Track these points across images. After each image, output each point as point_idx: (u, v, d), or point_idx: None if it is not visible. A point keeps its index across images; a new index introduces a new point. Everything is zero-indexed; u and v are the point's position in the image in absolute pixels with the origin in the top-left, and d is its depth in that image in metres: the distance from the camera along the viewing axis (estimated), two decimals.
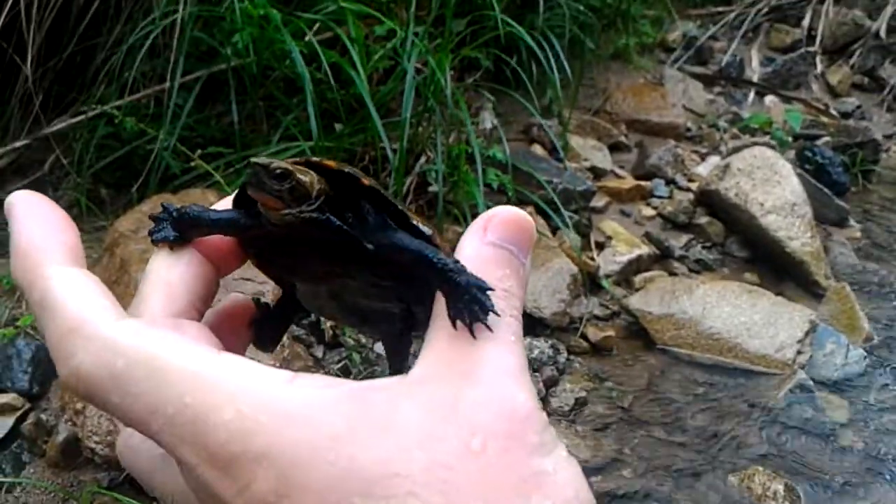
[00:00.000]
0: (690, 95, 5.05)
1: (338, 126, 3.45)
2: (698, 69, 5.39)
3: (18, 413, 2.45)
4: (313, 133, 3.01)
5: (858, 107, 5.53)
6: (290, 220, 0.57)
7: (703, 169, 4.38)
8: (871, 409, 3.15)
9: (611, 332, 3.32)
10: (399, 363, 0.66)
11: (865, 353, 3.34)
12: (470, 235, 0.57)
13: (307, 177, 0.57)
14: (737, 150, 4.24)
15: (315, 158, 0.60)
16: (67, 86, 3.49)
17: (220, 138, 3.38)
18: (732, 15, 5.81)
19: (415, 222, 0.59)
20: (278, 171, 0.56)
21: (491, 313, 0.52)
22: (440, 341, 0.53)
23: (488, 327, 0.52)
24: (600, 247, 3.71)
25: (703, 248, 3.93)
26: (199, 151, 3.07)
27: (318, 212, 0.57)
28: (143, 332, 0.52)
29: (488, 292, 0.53)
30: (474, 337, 0.52)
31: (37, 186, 3.37)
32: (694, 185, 4.20)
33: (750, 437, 2.97)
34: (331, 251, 0.59)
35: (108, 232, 2.72)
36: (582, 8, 4.53)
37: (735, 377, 3.22)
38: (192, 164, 3.03)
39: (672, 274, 3.70)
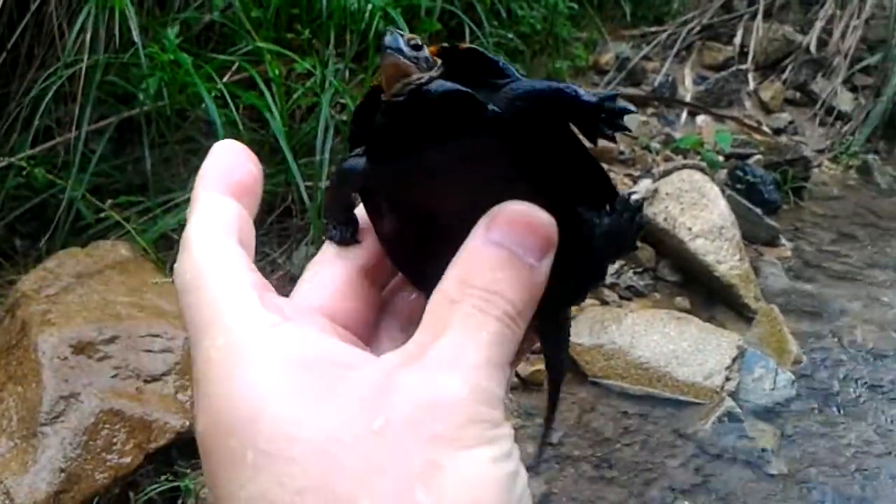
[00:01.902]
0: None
1: None
2: (631, 90, 5.40)
3: None
4: None
5: (791, 122, 5.58)
6: (420, 89, 0.52)
7: (636, 193, 4.38)
8: (799, 434, 3.16)
9: (541, 366, 3.29)
10: None
11: (794, 377, 3.35)
12: (473, 233, 0.53)
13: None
14: (667, 173, 4.25)
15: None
16: None
17: (137, 184, 3.32)
18: (664, 35, 5.84)
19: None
20: (413, 41, 0.54)
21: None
22: (423, 324, 0.52)
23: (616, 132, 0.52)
24: None
25: (635, 273, 3.93)
26: (109, 201, 3.01)
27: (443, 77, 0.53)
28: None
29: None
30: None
31: None
32: None
33: (679, 470, 2.96)
34: (462, 145, 0.53)
35: (11, 291, 2.64)
36: (511, 35, 4.53)
37: (665, 407, 3.21)
38: (104, 214, 2.97)
39: (603, 302, 3.69)
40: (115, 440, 2.23)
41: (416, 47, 0.54)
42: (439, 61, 0.55)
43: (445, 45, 0.56)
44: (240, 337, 0.49)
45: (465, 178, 0.55)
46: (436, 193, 0.56)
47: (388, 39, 0.54)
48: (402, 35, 0.54)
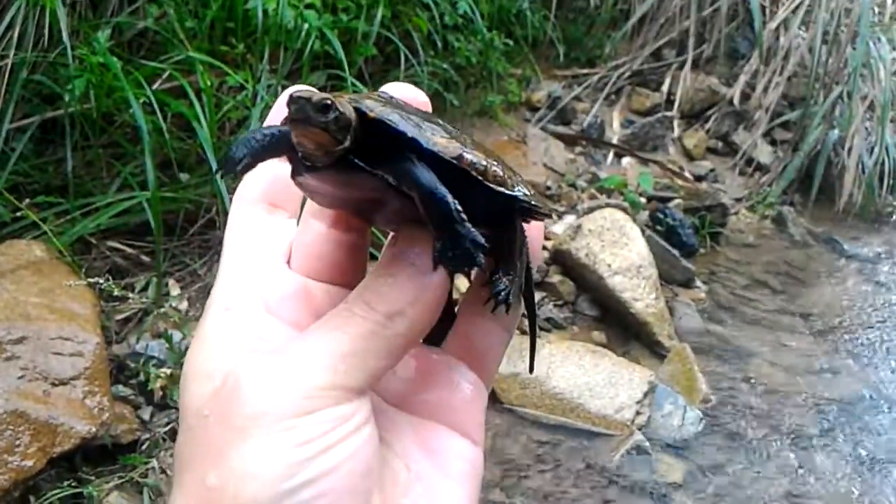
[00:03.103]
0: (552, 154, 5.16)
1: (184, 176, 3.36)
2: (561, 129, 5.52)
3: None
4: (150, 184, 2.91)
5: (712, 170, 5.76)
6: (336, 159, 0.58)
7: (560, 228, 4.46)
8: (705, 470, 3.23)
9: None
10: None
11: (702, 415, 3.43)
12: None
13: (345, 105, 0.57)
14: (591, 210, 4.35)
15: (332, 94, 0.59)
16: None
17: (56, 185, 3.25)
18: (596, 77, 5.99)
19: (437, 146, 0.58)
20: (322, 101, 0.56)
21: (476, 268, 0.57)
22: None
23: (468, 276, 0.60)
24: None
25: (555, 305, 3.99)
26: (27, 200, 2.94)
27: (350, 152, 0.58)
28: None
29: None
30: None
31: None
32: (549, 244, 4.27)
33: (586, 500, 3.00)
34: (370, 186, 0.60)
35: None
36: (446, 66, 4.59)
37: (577, 438, 3.26)
38: (20, 213, 2.90)
39: (522, 332, 3.72)
40: (18, 442, 2.16)
41: (325, 108, 0.56)
42: (350, 115, 0.57)
43: (357, 103, 0.58)
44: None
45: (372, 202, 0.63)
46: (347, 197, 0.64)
47: (293, 110, 0.56)
48: (308, 99, 0.56)
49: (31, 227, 3.02)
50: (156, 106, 3.04)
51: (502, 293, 0.64)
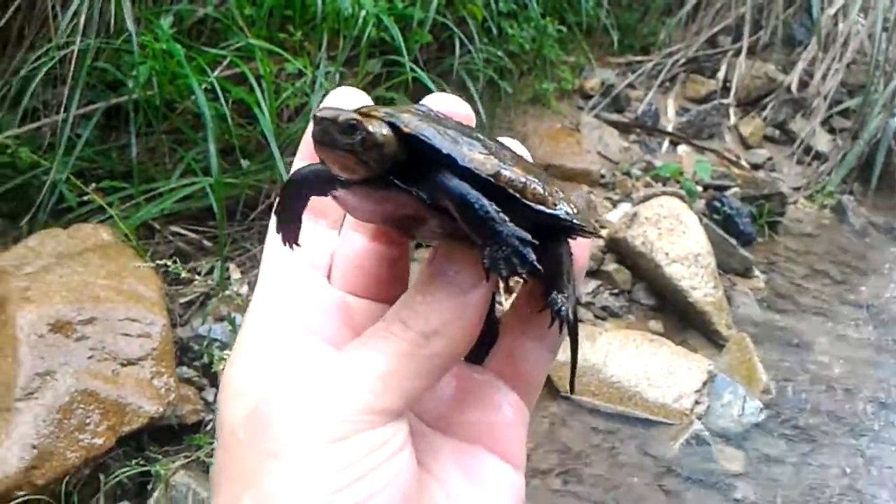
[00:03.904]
0: (606, 142, 5.12)
1: (244, 163, 3.40)
2: (615, 116, 5.47)
3: None
4: (213, 170, 2.95)
5: (769, 159, 5.67)
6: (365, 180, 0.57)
7: (614, 216, 4.43)
8: (765, 460, 3.19)
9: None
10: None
11: (762, 405, 3.39)
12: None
13: (375, 124, 0.56)
14: (646, 198, 4.31)
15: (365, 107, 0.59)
16: None
17: (120, 171, 3.30)
18: (650, 64, 5.92)
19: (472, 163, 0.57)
20: (348, 122, 0.55)
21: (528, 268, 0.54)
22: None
23: (523, 279, 0.57)
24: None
25: (611, 294, 3.96)
26: (94, 185, 2.99)
27: (386, 173, 0.57)
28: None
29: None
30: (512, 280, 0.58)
31: None
32: (604, 232, 4.24)
33: (645, 488, 2.99)
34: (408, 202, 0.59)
35: None
36: (500, 53, 4.57)
37: (634, 426, 3.24)
38: (88, 197, 2.95)
39: (578, 321, 3.71)
40: (88, 421, 2.21)
41: (351, 129, 0.54)
42: (380, 134, 0.56)
43: (392, 117, 0.57)
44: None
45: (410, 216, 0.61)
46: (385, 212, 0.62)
47: (317, 131, 0.55)
48: (333, 120, 0.54)
49: (97, 212, 3.07)
50: (219, 92, 3.07)
51: (563, 310, 0.63)
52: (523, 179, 0.59)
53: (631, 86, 5.78)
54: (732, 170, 5.29)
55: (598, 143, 5.07)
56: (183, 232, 3.27)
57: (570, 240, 0.66)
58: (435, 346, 0.57)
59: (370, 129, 0.55)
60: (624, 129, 5.40)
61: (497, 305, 0.70)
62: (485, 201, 0.55)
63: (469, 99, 4.02)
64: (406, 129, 0.56)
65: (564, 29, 5.21)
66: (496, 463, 0.64)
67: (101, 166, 3.32)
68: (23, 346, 2.26)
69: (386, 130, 0.56)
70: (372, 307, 0.65)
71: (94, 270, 2.55)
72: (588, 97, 5.55)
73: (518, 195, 0.58)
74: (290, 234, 0.64)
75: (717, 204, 4.68)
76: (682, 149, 5.41)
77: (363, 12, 3.67)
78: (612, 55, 5.95)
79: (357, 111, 0.58)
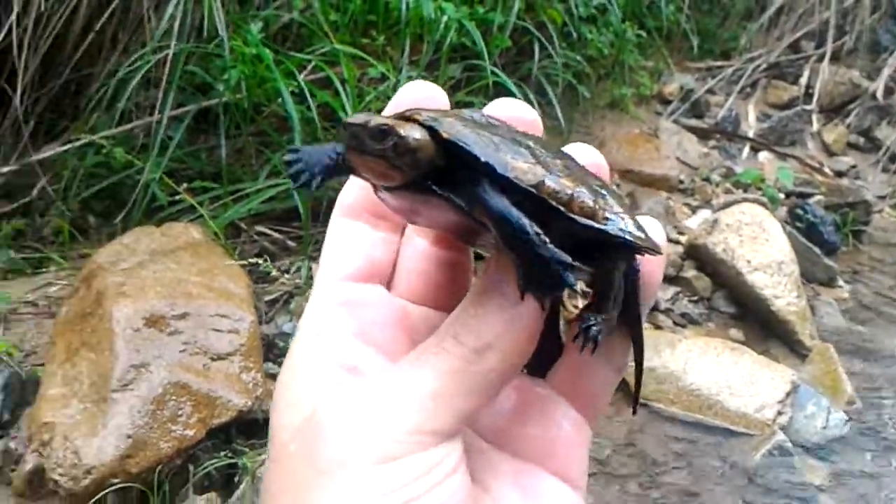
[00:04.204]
0: (685, 148, 5.07)
1: None
2: (694, 122, 5.41)
3: None
4: None
5: (853, 166, 5.54)
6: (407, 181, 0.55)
7: (694, 222, 4.38)
8: (849, 474, 3.12)
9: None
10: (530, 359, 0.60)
11: (847, 417, 3.31)
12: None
13: (409, 129, 0.54)
14: (727, 205, 4.26)
15: (409, 110, 0.57)
16: (60, 113, 3.51)
17: (209, 172, 3.39)
18: (730, 70, 5.85)
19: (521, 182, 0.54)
20: (379, 127, 0.53)
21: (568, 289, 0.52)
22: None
23: (562, 302, 0.55)
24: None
25: (690, 301, 3.92)
26: (185, 185, 3.08)
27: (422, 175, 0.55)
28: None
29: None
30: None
31: (24, 211, 3.38)
32: (683, 238, 4.20)
33: (725, 498, 2.94)
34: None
35: (87, 263, 2.71)
36: (578, 58, 4.56)
37: (714, 435, 3.19)
38: (179, 196, 3.04)
39: (657, 327, 3.68)
40: (180, 412, 2.27)
41: (382, 135, 0.53)
42: (413, 135, 0.54)
43: (434, 122, 0.55)
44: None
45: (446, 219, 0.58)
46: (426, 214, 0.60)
47: (347, 137, 0.53)
48: (363, 126, 0.53)
49: (186, 211, 3.16)
50: (308, 95, 3.13)
51: (591, 331, 0.61)
52: (570, 191, 0.56)
53: (711, 91, 5.71)
54: (815, 177, 5.19)
55: (676, 149, 5.02)
56: (268, 232, 3.33)
57: (637, 256, 0.63)
58: (488, 361, 0.55)
59: (402, 133, 0.53)
60: (703, 134, 5.34)
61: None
62: (524, 220, 0.52)
63: (547, 104, 4.03)
64: (445, 135, 0.54)
65: (644, 34, 5.18)
66: (555, 483, 0.62)
67: (191, 167, 3.41)
68: (119, 340, 2.34)
69: (419, 135, 0.55)
70: (432, 316, 0.63)
71: (186, 267, 2.63)
72: (667, 102, 5.50)
73: (562, 208, 0.55)
74: (311, 181, 0.60)
75: (800, 212, 4.59)
76: (764, 155, 5.32)
77: (445, 17, 3.71)
78: (692, 60, 5.89)
79: (397, 115, 0.57)
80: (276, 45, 3.56)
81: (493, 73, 3.70)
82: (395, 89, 3.48)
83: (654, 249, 0.61)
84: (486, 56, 3.66)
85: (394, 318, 0.62)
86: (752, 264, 3.79)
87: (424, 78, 3.72)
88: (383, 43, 3.72)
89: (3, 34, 3.03)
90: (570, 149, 0.64)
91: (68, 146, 3.25)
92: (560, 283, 0.52)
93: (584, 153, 0.64)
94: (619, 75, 5.12)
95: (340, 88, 3.23)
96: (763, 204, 4.29)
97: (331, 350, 0.59)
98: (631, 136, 4.95)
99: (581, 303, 0.65)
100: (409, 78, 3.58)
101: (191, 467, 2.34)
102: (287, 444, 0.56)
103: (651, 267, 0.65)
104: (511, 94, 3.93)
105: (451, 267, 0.65)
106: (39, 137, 3.38)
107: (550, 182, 0.55)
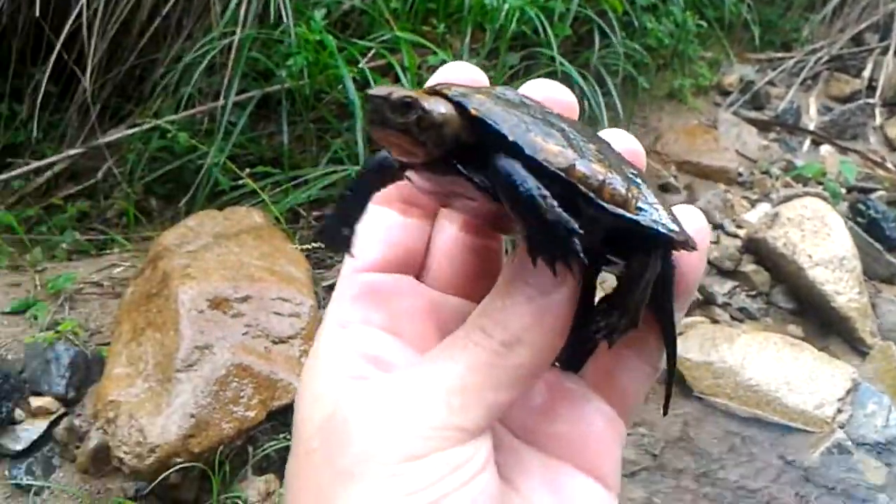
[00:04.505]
0: (744, 140, 4.99)
1: None
2: (753, 114, 5.32)
3: (53, 417, 2.49)
4: (360, 158, 3.03)
5: None
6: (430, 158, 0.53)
7: (753, 216, 4.31)
8: None
9: None
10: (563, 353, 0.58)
11: None
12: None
13: (434, 103, 0.52)
14: (788, 199, 4.19)
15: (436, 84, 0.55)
16: (125, 97, 3.58)
17: (269, 158, 3.43)
18: (792, 61, 5.74)
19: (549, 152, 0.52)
20: (402, 100, 0.51)
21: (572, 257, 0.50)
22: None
23: (569, 267, 0.51)
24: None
25: (748, 296, 3.87)
26: (247, 170, 3.11)
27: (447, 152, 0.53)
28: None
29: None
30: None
31: (89, 193, 3.45)
32: (742, 232, 4.14)
33: (783, 495, 2.91)
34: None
35: (153, 244, 2.76)
36: (637, 47, 4.51)
37: (771, 432, 3.16)
38: (241, 181, 3.08)
39: (714, 321, 3.65)
40: (242, 394, 2.30)
41: (405, 107, 0.51)
42: (438, 109, 0.52)
43: (464, 97, 0.53)
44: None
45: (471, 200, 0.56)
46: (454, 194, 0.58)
47: (369, 110, 0.52)
48: (385, 98, 0.51)
49: (247, 196, 3.20)
50: (372, 81, 3.14)
51: (602, 329, 0.59)
52: (601, 177, 0.53)
53: (771, 83, 5.60)
54: (878, 172, 5.07)
55: (735, 141, 4.95)
56: None
57: (671, 250, 0.60)
58: (517, 355, 0.53)
59: (426, 106, 0.51)
60: (763, 126, 5.25)
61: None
62: (531, 182, 0.50)
63: (606, 94, 4.00)
64: (474, 111, 0.52)
65: (704, 24, 5.11)
66: (587, 482, 0.60)
67: (251, 153, 3.45)
68: (184, 321, 2.38)
69: (445, 109, 0.52)
70: (463, 306, 0.61)
71: (248, 251, 2.66)
72: (726, 94, 5.42)
73: (592, 194, 0.53)
74: (341, 239, 0.60)
75: (862, 207, 4.49)
76: (825, 149, 5.21)
77: (506, 5, 3.69)
78: (752, 51, 5.79)
79: (425, 89, 0.55)
80: (336, 33, 3.58)
81: (555, 61, 3.68)
82: None
83: (689, 244, 0.58)
84: (551, 44, 3.64)
85: (422, 308, 0.60)
86: (814, 259, 3.73)
87: (484, 66, 3.73)
88: (443, 31, 3.71)
89: (73, 17, 3.08)
90: (605, 134, 0.62)
91: (135, 129, 3.30)
92: (567, 250, 0.50)
93: (620, 138, 0.62)
94: (678, 66, 5.06)
95: (402, 75, 3.23)
96: (824, 198, 4.21)
97: (356, 342, 0.57)
98: (689, 127, 4.89)
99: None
100: None
101: (250, 449, 2.38)
102: (309, 441, 0.54)
103: (689, 263, 0.61)
104: (574, 83, 3.92)
105: (483, 255, 0.64)
106: (105, 121, 3.45)
107: (581, 166, 0.53)
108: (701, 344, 3.33)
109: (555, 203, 0.50)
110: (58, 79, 3.32)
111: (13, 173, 3.30)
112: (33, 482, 2.38)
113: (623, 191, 0.54)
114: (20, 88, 3.42)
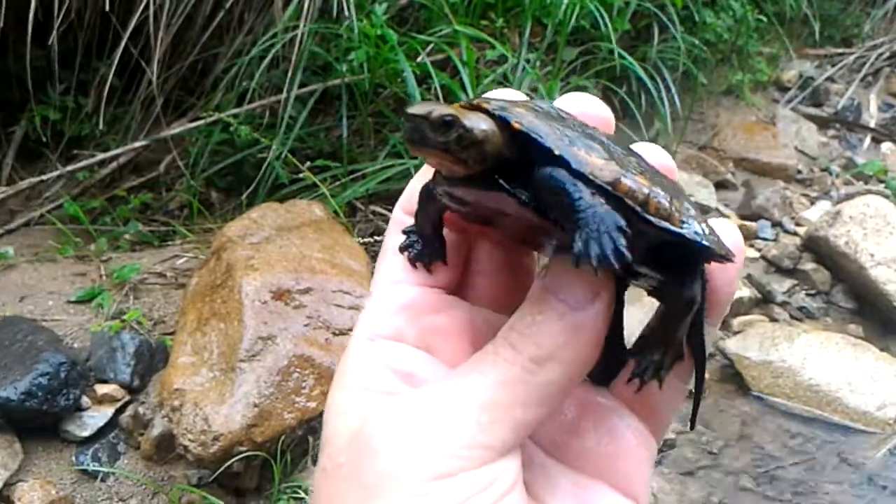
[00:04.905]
0: (803, 137, 4.92)
1: None
2: (813, 110, 5.24)
3: (118, 405, 2.54)
4: None
5: None
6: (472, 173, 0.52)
7: (812, 214, 4.25)
8: None
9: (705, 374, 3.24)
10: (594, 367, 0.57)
11: None
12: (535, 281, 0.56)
13: (475, 120, 0.51)
14: (849, 196, 4.12)
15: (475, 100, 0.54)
16: (187, 91, 3.63)
17: (327, 151, 3.45)
18: (852, 57, 5.64)
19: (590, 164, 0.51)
20: (442, 118, 0.50)
21: (618, 253, 0.48)
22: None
23: (613, 265, 0.49)
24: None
25: (807, 295, 3.81)
26: (308, 163, 3.14)
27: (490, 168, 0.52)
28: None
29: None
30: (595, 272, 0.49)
31: (151, 186, 3.51)
32: (801, 230, 4.09)
33: (843, 497, 2.87)
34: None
35: (217, 236, 2.80)
36: (696, 42, 4.47)
37: (832, 432, 3.11)
38: (301, 175, 3.10)
39: (773, 320, 3.60)
40: (304, 384, 2.33)
41: (446, 126, 0.50)
42: (480, 126, 0.51)
43: (505, 111, 0.52)
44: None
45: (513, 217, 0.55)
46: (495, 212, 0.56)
47: (408, 129, 0.51)
48: (425, 117, 0.50)
49: (306, 189, 3.23)
50: (434, 77, 3.15)
51: (647, 371, 0.57)
52: (646, 191, 0.52)
53: (830, 79, 5.52)
54: None
55: (794, 138, 4.88)
56: (382, 211, 3.38)
57: (706, 267, 0.58)
58: (548, 372, 0.52)
59: (467, 124, 0.50)
60: (822, 123, 5.17)
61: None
62: (580, 184, 0.49)
63: (664, 88, 3.96)
64: (517, 126, 0.51)
65: (763, 18, 5.03)
66: (617, 499, 0.58)
67: (310, 146, 3.48)
68: (248, 311, 2.41)
69: (487, 126, 0.51)
70: (495, 320, 0.59)
71: (309, 244, 2.68)
72: (784, 89, 5.35)
73: (639, 208, 0.52)
74: (424, 253, 0.59)
75: None
76: (886, 146, 5.11)
77: (565, 0, 3.68)
78: (812, 46, 5.70)
79: (463, 104, 0.53)
80: (395, 27, 3.60)
81: (619, 55, 3.65)
82: (513, 71, 3.49)
83: (729, 257, 0.57)
84: (610, 38, 3.61)
85: (457, 324, 0.59)
86: (876, 258, 3.66)
87: (542, 60, 3.72)
88: (502, 26, 3.71)
89: (139, 11, 3.13)
90: (638, 147, 0.60)
91: (197, 123, 3.35)
92: (616, 250, 0.48)
93: (652, 153, 0.60)
94: (736, 61, 5.00)
95: (461, 68, 3.23)
96: (885, 196, 4.14)
97: (386, 357, 0.56)
98: (747, 123, 4.83)
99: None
100: (528, 61, 3.56)
101: (311, 439, 2.40)
102: (337, 456, 0.53)
103: (724, 277, 0.59)
104: (636, 77, 3.89)
105: (519, 269, 0.62)
106: (167, 115, 3.50)
107: (627, 180, 0.52)
108: (760, 342, 3.29)
109: (603, 200, 0.49)
110: (122, 73, 3.37)
111: (79, 165, 3.37)
112: (99, 468, 2.43)
113: (667, 204, 0.53)
114: (86, 82, 3.48)
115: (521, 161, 0.52)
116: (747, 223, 4.11)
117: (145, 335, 2.70)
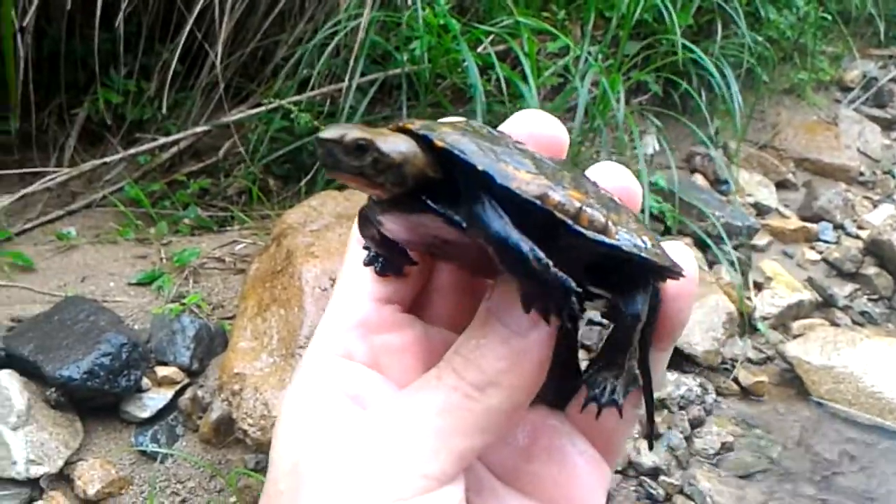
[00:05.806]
0: (866, 138, 4.81)
1: None
2: (876, 112, 5.13)
3: (177, 387, 2.55)
4: None
5: None
6: (388, 199, 0.51)
7: (875, 217, 4.16)
8: None
9: (763, 378, 3.19)
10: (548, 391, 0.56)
11: None
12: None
13: (391, 142, 0.50)
14: None
15: (406, 122, 0.53)
16: (248, 78, 3.64)
17: None
18: None
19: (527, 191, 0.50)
20: (356, 143, 0.49)
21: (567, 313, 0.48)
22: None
23: (564, 323, 0.48)
24: (759, 287, 3.57)
25: (869, 300, 3.73)
26: None
27: (406, 193, 0.51)
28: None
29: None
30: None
31: (210, 171, 3.53)
32: (864, 233, 4.00)
33: None
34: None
35: (277, 223, 2.80)
36: (760, 38, 4.39)
37: (893, 440, 3.04)
38: None
39: (833, 324, 3.53)
40: None
41: (360, 150, 0.49)
42: (397, 149, 0.50)
43: (427, 130, 0.51)
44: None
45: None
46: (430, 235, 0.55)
47: (321, 154, 0.49)
48: (338, 141, 0.49)
49: None
50: (498, 69, 3.13)
51: (603, 397, 0.55)
52: (577, 204, 0.50)
53: (894, 80, 5.39)
54: None
55: (857, 139, 4.78)
56: None
57: (661, 291, 0.57)
58: (490, 398, 0.50)
59: (383, 148, 0.49)
60: (886, 125, 5.06)
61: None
62: (524, 243, 0.48)
63: (727, 85, 3.89)
64: (439, 144, 0.50)
65: (827, 17, 4.93)
66: None
67: None
68: (307, 298, 2.40)
69: (406, 147, 0.50)
70: (452, 341, 0.56)
71: None
72: (847, 90, 5.24)
73: (570, 221, 0.50)
74: (388, 265, 0.58)
75: None
76: None
77: None
78: (876, 47, 5.58)
79: (391, 126, 0.53)
80: (457, 16, 3.58)
81: (686, 47, 3.60)
82: (575, 63, 3.45)
83: (675, 271, 0.55)
84: (675, 31, 3.56)
85: (409, 341, 0.57)
86: None
87: (604, 53, 3.67)
88: (563, 17, 3.67)
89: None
90: (596, 170, 0.58)
91: (258, 109, 3.36)
92: (565, 309, 0.48)
93: (614, 174, 0.58)
94: (798, 59, 4.91)
95: (524, 59, 3.20)
96: None
97: (335, 377, 0.54)
98: (808, 123, 4.74)
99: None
100: (590, 53, 3.52)
101: None
102: (277, 482, 0.52)
103: (675, 304, 0.57)
104: (694, 69, 3.83)
105: (480, 289, 0.59)
106: (228, 101, 3.51)
107: (555, 194, 0.50)
108: (822, 347, 3.22)
109: (548, 262, 0.48)
110: (184, 58, 3.39)
111: (140, 149, 3.39)
112: (158, 450, 2.44)
113: (602, 218, 0.51)
114: (148, 66, 3.51)
115: (448, 181, 0.51)
116: (808, 224, 4.03)
117: (205, 319, 2.71)
